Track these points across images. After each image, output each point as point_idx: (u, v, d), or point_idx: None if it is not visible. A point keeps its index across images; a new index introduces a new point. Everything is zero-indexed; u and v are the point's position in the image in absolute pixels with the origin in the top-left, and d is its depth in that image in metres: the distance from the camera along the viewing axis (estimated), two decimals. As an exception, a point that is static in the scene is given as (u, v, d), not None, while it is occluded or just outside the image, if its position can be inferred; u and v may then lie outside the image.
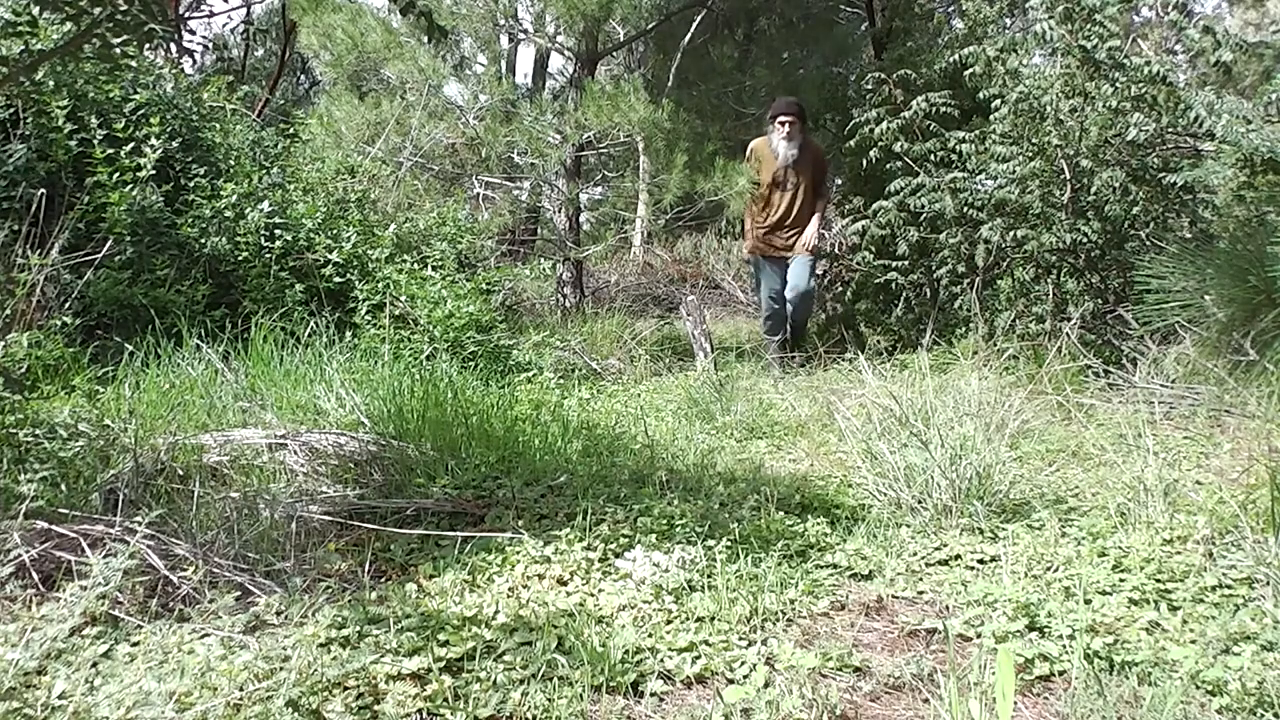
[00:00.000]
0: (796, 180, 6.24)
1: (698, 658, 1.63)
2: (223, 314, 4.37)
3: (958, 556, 2.21)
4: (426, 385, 3.29)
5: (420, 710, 1.45)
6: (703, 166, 8.63)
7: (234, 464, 2.50)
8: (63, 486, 2.24)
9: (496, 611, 1.77)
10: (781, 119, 6.30)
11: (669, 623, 1.78)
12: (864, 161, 6.52)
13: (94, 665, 1.50)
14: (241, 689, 1.42)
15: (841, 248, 7.68)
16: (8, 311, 3.42)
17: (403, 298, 4.67)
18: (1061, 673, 1.61)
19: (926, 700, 1.52)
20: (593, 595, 1.90)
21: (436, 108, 8.56)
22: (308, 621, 1.67)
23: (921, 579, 2.09)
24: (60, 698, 1.37)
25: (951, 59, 5.71)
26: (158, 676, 1.43)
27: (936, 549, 2.25)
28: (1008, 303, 5.43)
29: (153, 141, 4.53)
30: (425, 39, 7.93)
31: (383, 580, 2.01)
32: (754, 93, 9.48)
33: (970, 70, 5.57)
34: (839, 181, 9.18)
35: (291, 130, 6.37)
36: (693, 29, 9.39)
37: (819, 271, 6.70)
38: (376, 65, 8.48)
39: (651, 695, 1.52)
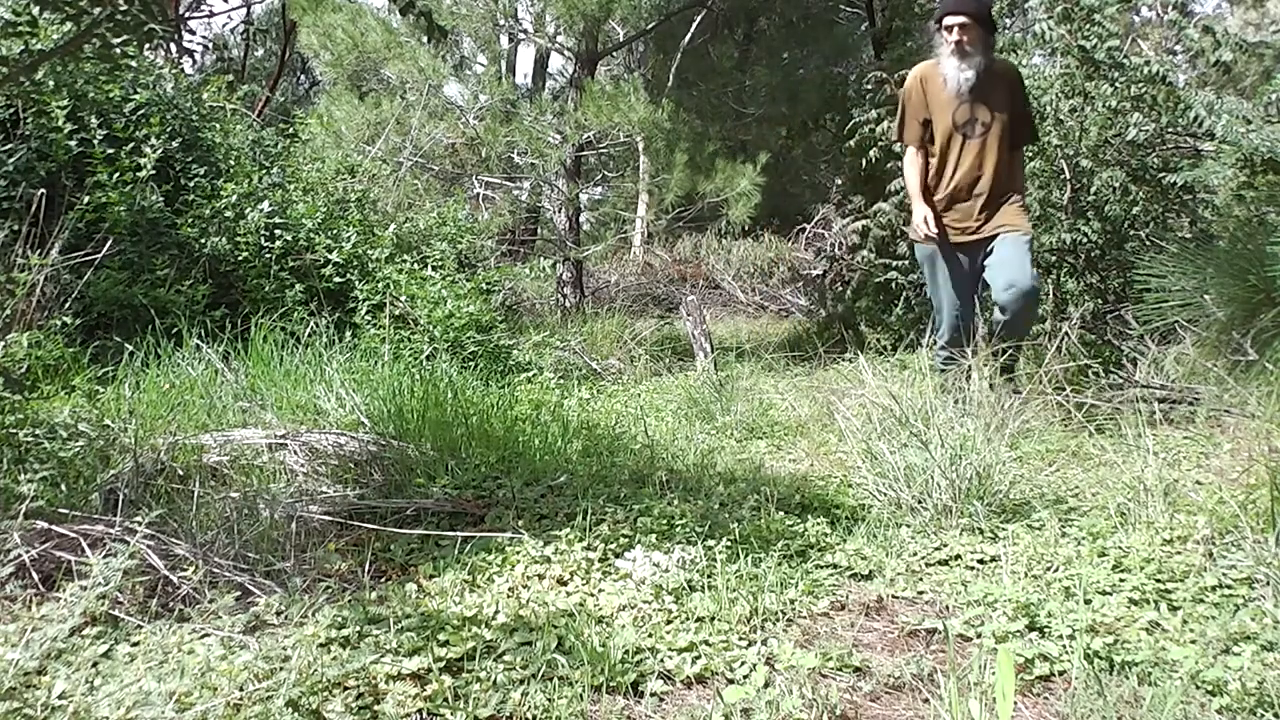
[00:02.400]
0: (988, 119, 3.99)
1: (698, 658, 1.63)
2: (223, 314, 4.37)
3: (958, 556, 2.21)
4: (426, 385, 3.29)
5: (420, 710, 1.45)
6: (703, 166, 8.63)
7: (234, 464, 2.50)
8: (63, 486, 2.24)
9: (496, 611, 1.77)
10: (950, 19, 3.94)
11: (669, 623, 1.78)
12: (864, 161, 6.51)
13: (94, 665, 1.50)
14: (241, 689, 1.42)
15: (841, 248, 7.68)
16: (8, 311, 3.42)
17: (403, 298, 4.67)
18: (1061, 673, 1.61)
19: (926, 700, 1.52)
20: (593, 595, 1.90)
21: (436, 108, 8.58)
22: (308, 621, 1.67)
23: (921, 579, 2.09)
24: (60, 698, 1.37)
25: (951, 59, 5.70)
26: (158, 676, 1.43)
27: (936, 549, 2.25)
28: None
29: (153, 141, 4.53)
30: (425, 39, 7.94)
31: (383, 580, 2.01)
32: (754, 93, 9.48)
33: (970, 70, 5.55)
34: (838, 181, 9.18)
35: (291, 130, 6.37)
36: (693, 29, 9.40)
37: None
38: (376, 65, 8.49)
39: (651, 695, 1.52)
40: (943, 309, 4.16)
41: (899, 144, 4.39)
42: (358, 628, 1.65)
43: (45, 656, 1.48)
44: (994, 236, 3.98)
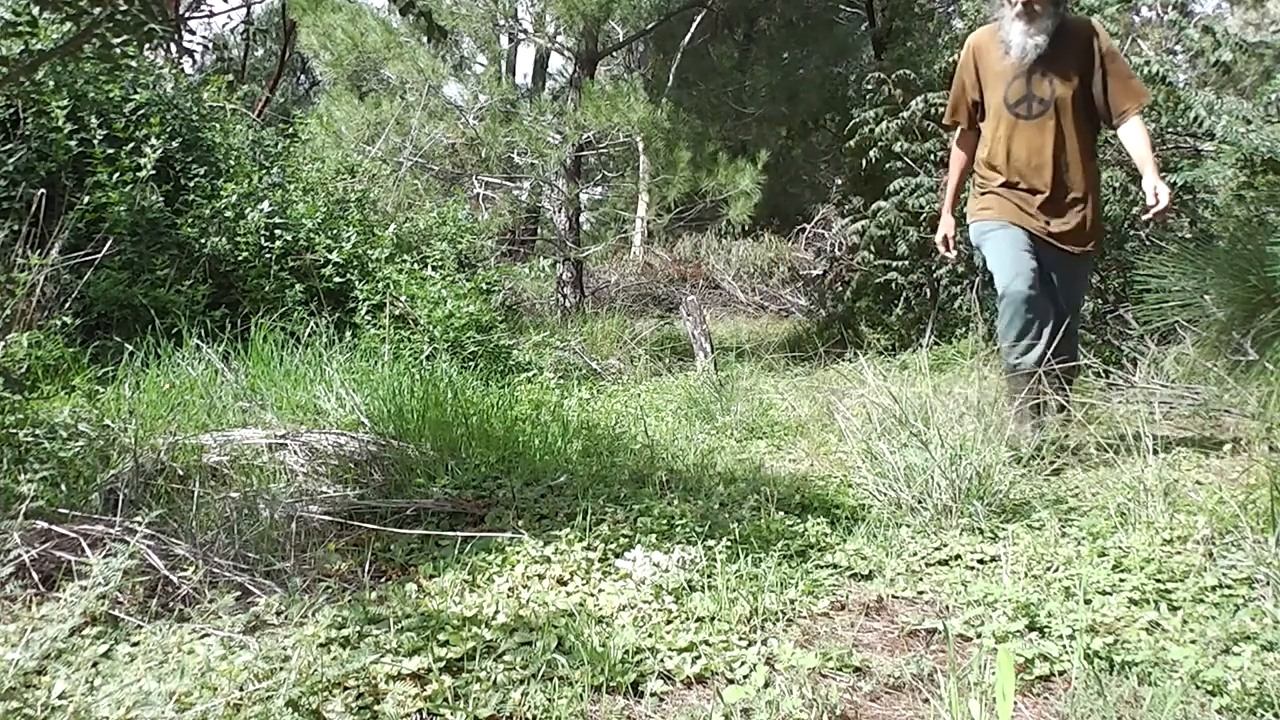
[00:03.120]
0: (1048, 95, 3.25)
1: (698, 658, 1.63)
2: (223, 314, 4.37)
3: (958, 556, 2.21)
4: (426, 385, 3.29)
5: (420, 710, 1.45)
6: (704, 166, 8.63)
7: (234, 464, 2.50)
8: (63, 486, 2.24)
9: (496, 611, 1.77)
10: None
11: (669, 623, 1.78)
12: (864, 161, 6.52)
13: (94, 665, 1.50)
14: (241, 689, 1.42)
15: (841, 248, 7.68)
16: (8, 311, 3.42)
17: (403, 298, 4.67)
18: (1061, 673, 1.61)
19: (926, 700, 1.52)
20: (593, 595, 1.90)
21: (436, 108, 8.58)
22: (308, 621, 1.67)
23: (921, 579, 2.09)
24: (60, 698, 1.37)
25: (951, 59, 5.71)
26: (158, 676, 1.43)
27: (936, 549, 2.25)
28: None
29: (153, 141, 4.53)
30: (425, 39, 7.94)
31: (383, 580, 2.01)
32: (754, 93, 9.48)
33: (970, 70, 5.56)
34: (838, 181, 9.19)
35: (291, 130, 6.37)
36: (693, 29, 9.40)
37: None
38: (376, 65, 8.49)
39: (651, 695, 1.52)
40: (1008, 289, 3.22)
41: (949, 129, 3.90)
42: (358, 628, 1.65)
43: (45, 656, 1.48)
44: (1058, 248, 3.28)
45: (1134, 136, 3.24)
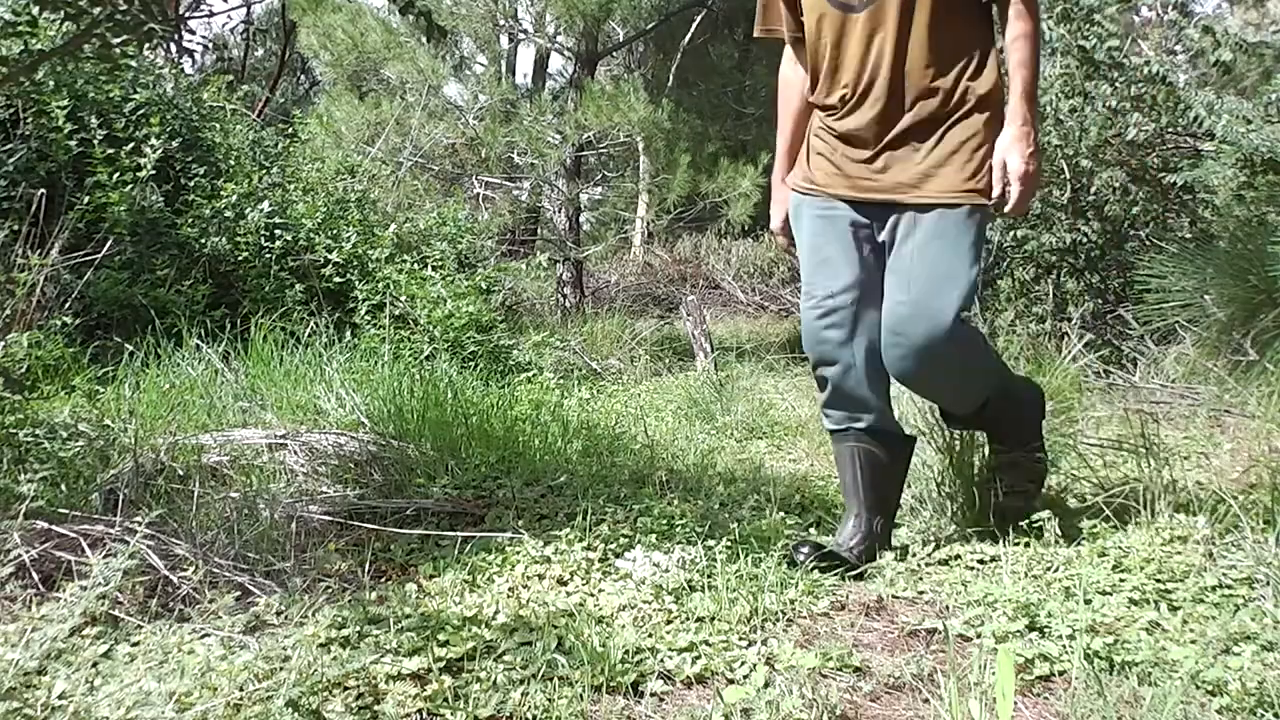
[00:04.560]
0: None
1: (698, 658, 1.63)
2: (223, 314, 4.37)
3: (958, 556, 2.21)
4: (426, 385, 3.29)
5: (420, 710, 1.45)
6: (704, 166, 8.63)
7: (234, 464, 2.50)
8: (63, 486, 2.24)
9: (496, 612, 1.77)
10: None
11: (669, 623, 1.78)
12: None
13: (94, 665, 1.50)
14: (241, 689, 1.42)
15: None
16: (8, 311, 3.42)
17: (403, 298, 4.67)
18: (1061, 673, 1.61)
19: (926, 700, 1.52)
20: (593, 595, 1.90)
21: (436, 108, 8.58)
22: (308, 621, 1.67)
23: (921, 579, 2.09)
24: (60, 698, 1.37)
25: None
26: (158, 676, 1.43)
27: (936, 549, 2.25)
28: (1008, 303, 5.43)
29: (153, 141, 4.53)
30: (425, 39, 7.94)
31: (383, 580, 2.01)
32: (754, 93, 9.48)
33: (970, 70, 5.56)
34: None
35: (291, 130, 6.37)
36: (693, 29, 9.40)
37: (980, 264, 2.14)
38: (376, 65, 8.50)
39: (651, 695, 1.52)
40: (809, 319, 2.27)
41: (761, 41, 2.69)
42: (358, 628, 1.65)
43: (45, 656, 1.48)
44: (901, 205, 2.09)
45: (1011, 49, 2.09)
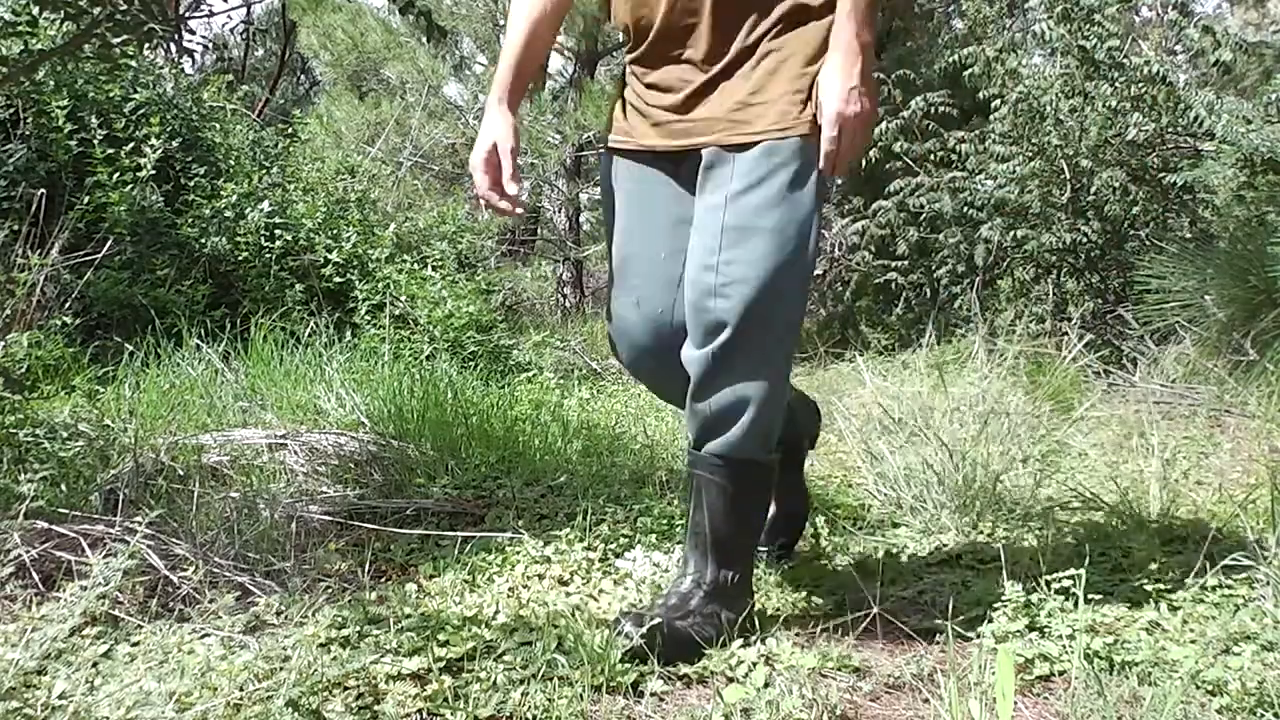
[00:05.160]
0: None
1: (698, 657, 1.63)
2: (223, 314, 4.37)
3: (958, 556, 2.21)
4: (426, 385, 3.29)
5: (420, 710, 1.45)
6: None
7: (234, 464, 2.50)
8: (63, 486, 2.24)
9: (496, 612, 1.77)
10: None
11: (669, 623, 1.78)
12: (863, 161, 6.52)
13: (94, 665, 1.50)
14: (241, 689, 1.42)
15: (841, 247, 7.69)
16: (8, 311, 3.42)
17: (403, 298, 4.67)
18: (1061, 673, 1.61)
19: (926, 700, 1.52)
20: (593, 595, 1.90)
21: (436, 108, 8.59)
22: (308, 621, 1.67)
23: (921, 579, 2.09)
24: (60, 698, 1.37)
25: (951, 59, 5.71)
26: (158, 676, 1.43)
27: (936, 549, 2.25)
28: (1008, 303, 5.44)
29: (153, 141, 4.53)
30: (425, 39, 7.94)
31: (383, 580, 2.01)
32: (754, 93, 9.46)
33: (970, 70, 5.57)
34: (839, 181, 9.16)
35: (291, 130, 6.37)
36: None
37: (816, 227, 1.65)
38: (376, 65, 8.50)
39: (651, 695, 1.52)
40: (612, 289, 1.91)
41: None
42: (358, 628, 1.65)
43: (45, 656, 1.48)
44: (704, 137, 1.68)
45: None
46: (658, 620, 1.62)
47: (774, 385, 1.67)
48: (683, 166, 1.71)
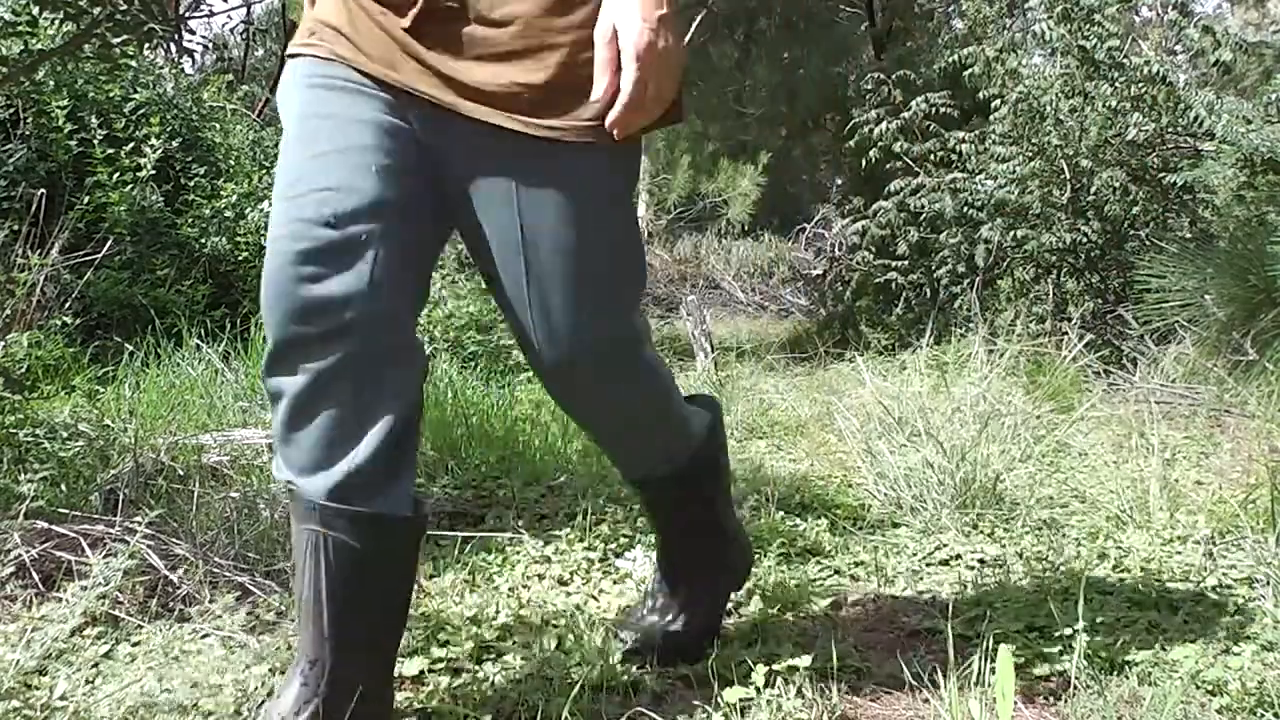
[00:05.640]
0: None
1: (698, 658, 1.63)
2: (223, 314, 4.36)
3: (958, 556, 2.21)
4: (426, 385, 3.29)
5: (420, 710, 1.45)
6: (704, 166, 8.64)
7: (234, 464, 2.50)
8: (63, 486, 2.24)
9: (497, 612, 1.77)
10: None
11: (669, 623, 1.78)
12: (864, 161, 6.52)
13: (94, 665, 1.50)
14: (242, 689, 1.42)
15: (841, 248, 7.69)
16: (8, 311, 3.42)
17: (403, 298, 4.67)
18: (1061, 673, 1.61)
19: (926, 700, 1.52)
20: (593, 595, 1.90)
21: (436, 108, 8.57)
22: (308, 621, 1.67)
23: (921, 579, 2.09)
24: (60, 698, 1.37)
25: (951, 59, 5.72)
26: (158, 676, 1.43)
27: (936, 549, 2.25)
28: (1008, 303, 5.43)
29: (153, 141, 4.53)
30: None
31: (383, 580, 2.01)
32: (754, 93, 9.47)
33: (970, 70, 5.57)
34: (839, 181, 9.17)
35: (291, 130, 6.36)
36: (693, 29, 9.38)
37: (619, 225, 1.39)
38: (376, 65, 8.48)
39: (651, 695, 1.52)
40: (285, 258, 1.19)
41: None
42: (358, 628, 1.64)
43: (45, 656, 1.48)
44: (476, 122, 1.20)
45: None
46: (652, 621, 1.65)
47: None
48: (404, 100, 1.24)
